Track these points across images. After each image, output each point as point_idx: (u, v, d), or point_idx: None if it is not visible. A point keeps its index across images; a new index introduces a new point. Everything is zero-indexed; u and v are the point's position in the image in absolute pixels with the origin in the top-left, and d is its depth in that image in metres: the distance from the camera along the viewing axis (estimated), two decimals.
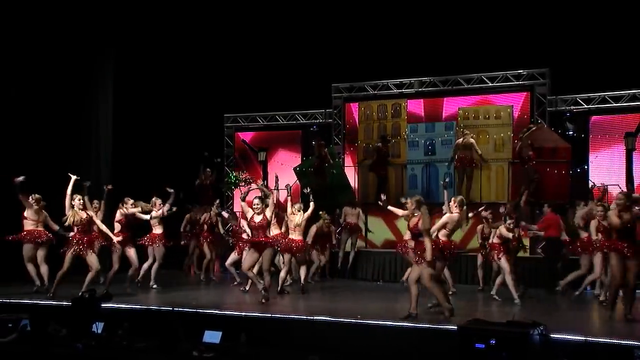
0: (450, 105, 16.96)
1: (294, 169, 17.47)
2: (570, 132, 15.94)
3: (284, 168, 18.12)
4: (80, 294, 9.79)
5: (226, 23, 18.02)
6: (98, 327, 9.53)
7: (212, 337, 9.35)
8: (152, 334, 9.56)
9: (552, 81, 16.10)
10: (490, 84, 16.58)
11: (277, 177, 13.69)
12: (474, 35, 16.28)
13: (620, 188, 13.57)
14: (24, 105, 14.92)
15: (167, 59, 17.58)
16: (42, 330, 9.74)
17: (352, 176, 17.25)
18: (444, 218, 10.39)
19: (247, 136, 19.09)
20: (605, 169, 15.56)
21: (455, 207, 10.36)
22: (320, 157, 16.48)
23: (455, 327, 8.00)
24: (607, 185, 13.06)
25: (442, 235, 10.31)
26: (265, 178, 17.84)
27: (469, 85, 16.76)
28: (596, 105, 15.87)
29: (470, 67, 16.62)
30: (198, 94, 18.04)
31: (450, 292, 11.86)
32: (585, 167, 15.71)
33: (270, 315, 9.78)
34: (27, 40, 14.86)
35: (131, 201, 12.91)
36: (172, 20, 17.36)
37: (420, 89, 17.27)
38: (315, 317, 9.57)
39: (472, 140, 15.63)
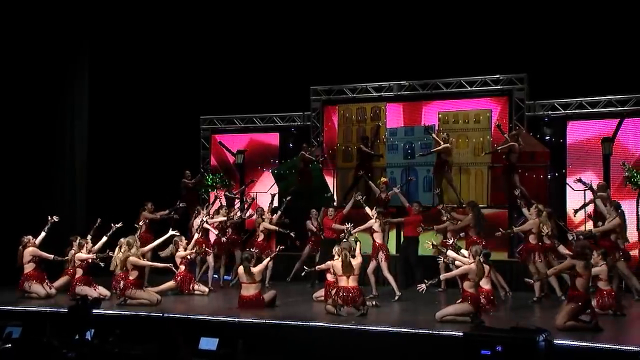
0: (430, 109, 17.01)
1: (272, 171, 17.42)
2: (548, 137, 16.17)
3: (261, 171, 18.10)
4: (74, 301, 9.62)
5: (203, 24, 17.94)
6: (88, 334, 9.41)
7: (209, 344, 9.27)
8: (144, 340, 9.44)
9: (530, 86, 16.28)
10: (469, 88, 16.69)
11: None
12: (453, 39, 16.45)
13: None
14: None
15: (142, 60, 17.39)
16: (34, 339, 9.58)
17: (330, 179, 17.23)
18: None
19: (224, 138, 18.91)
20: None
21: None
22: (304, 159, 16.47)
23: (461, 334, 8.04)
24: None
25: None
26: (242, 181, 17.76)
27: (448, 90, 16.83)
28: (573, 111, 16.09)
29: (450, 71, 16.71)
30: (174, 96, 17.86)
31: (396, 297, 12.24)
32: (563, 171, 15.93)
33: (268, 321, 9.72)
34: None
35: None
36: (148, 20, 17.19)
37: (399, 93, 17.30)
38: (312, 323, 9.57)
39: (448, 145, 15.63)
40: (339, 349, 9.08)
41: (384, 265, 12.56)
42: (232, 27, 17.92)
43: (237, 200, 16.64)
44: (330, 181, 17.08)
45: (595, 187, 13.66)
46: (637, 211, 14.80)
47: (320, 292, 12.15)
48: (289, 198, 14.90)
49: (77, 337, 9.03)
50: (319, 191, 16.63)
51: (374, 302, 11.53)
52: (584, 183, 13.56)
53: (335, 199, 16.69)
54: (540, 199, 14.28)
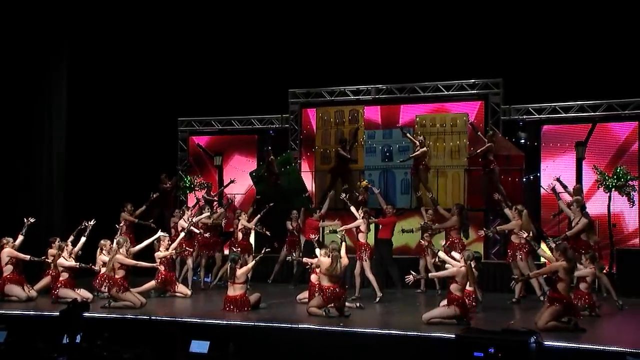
0: (407, 113, 17.21)
1: (250, 173, 17.49)
2: (523, 141, 16.48)
3: (240, 173, 18.13)
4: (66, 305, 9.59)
5: (181, 25, 17.91)
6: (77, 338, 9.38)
7: (200, 347, 9.32)
8: (132, 343, 9.46)
9: (506, 91, 16.51)
10: (446, 92, 16.91)
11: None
12: (431, 44, 16.62)
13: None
14: None
15: (121, 61, 17.37)
16: (21, 342, 9.54)
17: (309, 182, 17.36)
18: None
19: (201, 140, 18.92)
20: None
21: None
22: (268, 165, 16.65)
23: (453, 336, 8.21)
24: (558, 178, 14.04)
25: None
26: (221, 183, 17.80)
27: (425, 93, 17.04)
28: (547, 115, 16.39)
29: (427, 75, 16.90)
30: (152, 97, 17.83)
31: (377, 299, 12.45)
32: (538, 174, 16.26)
33: (259, 324, 9.81)
34: None
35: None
36: (127, 22, 17.17)
37: (377, 96, 17.46)
38: (303, 325, 9.66)
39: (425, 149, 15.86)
40: (329, 351, 9.20)
41: (366, 265, 12.76)
42: (211, 29, 17.90)
43: (215, 203, 16.65)
44: (308, 183, 17.24)
45: (570, 190, 14.08)
46: (608, 213, 15.18)
47: (304, 294, 12.25)
48: (271, 204, 14.95)
49: (66, 340, 9.06)
50: (297, 192, 16.80)
51: (357, 304, 11.67)
52: (561, 183, 13.95)
53: (313, 201, 16.88)
54: (516, 201, 14.57)
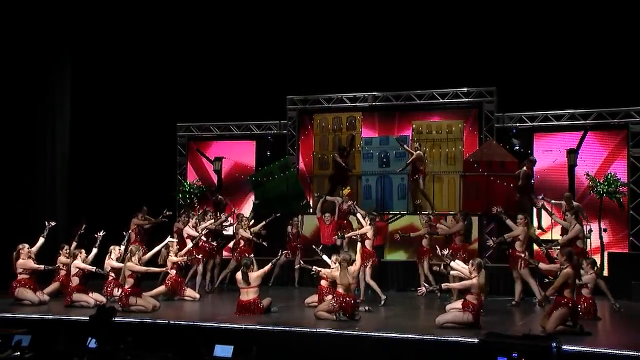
0: (403, 120, 17.63)
1: (248, 178, 17.73)
2: (516, 148, 16.93)
3: (237, 178, 18.40)
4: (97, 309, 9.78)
5: (181, 32, 18.13)
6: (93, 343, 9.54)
7: (224, 351, 9.53)
8: (154, 348, 9.66)
9: (499, 99, 17.00)
10: (441, 100, 17.35)
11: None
12: (427, 53, 17.03)
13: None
14: None
15: (121, 67, 17.54)
16: (45, 346, 9.70)
17: (307, 187, 17.64)
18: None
19: (200, 146, 19.15)
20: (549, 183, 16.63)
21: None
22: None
23: (476, 341, 8.56)
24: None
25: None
26: (219, 188, 18.02)
27: (421, 101, 17.45)
28: (539, 123, 16.89)
29: (422, 83, 17.33)
30: (152, 102, 18.01)
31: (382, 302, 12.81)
32: (532, 181, 16.67)
33: (282, 328, 10.04)
34: None
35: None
36: (127, 29, 17.33)
37: (373, 103, 17.82)
38: (326, 330, 9.93)
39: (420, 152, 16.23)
40: (349, 355, 9.49)
41: (367, 272, 13.08)
42: (211, 36, 18.14)
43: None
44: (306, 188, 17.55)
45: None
46: (599, 218, 15.68)
47: (312, 298, 12.51)
48: (278, 214, 15.17)
49: (94, 344, 9.24)
50: (295, 197, 17.05)
51: (366, 307, 11.97)
52: (547, 201, 14.46)
53: (312, 206, 17.15)
54: (511, 207, 15.01)
